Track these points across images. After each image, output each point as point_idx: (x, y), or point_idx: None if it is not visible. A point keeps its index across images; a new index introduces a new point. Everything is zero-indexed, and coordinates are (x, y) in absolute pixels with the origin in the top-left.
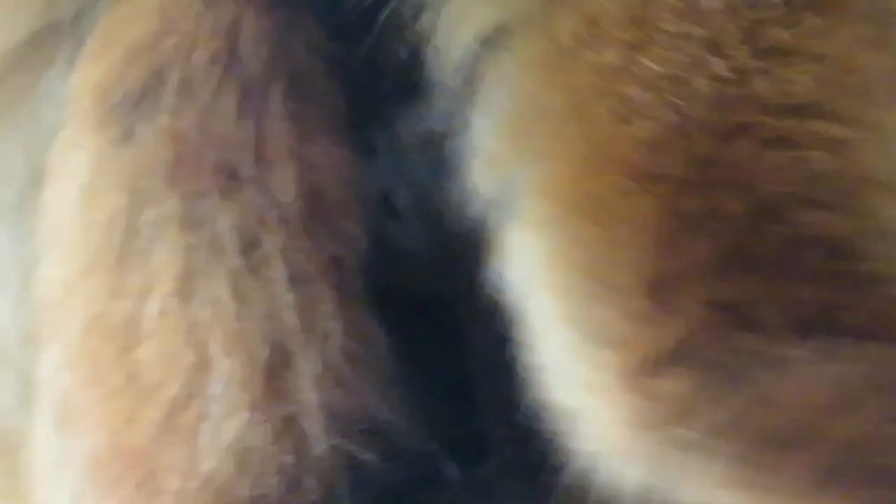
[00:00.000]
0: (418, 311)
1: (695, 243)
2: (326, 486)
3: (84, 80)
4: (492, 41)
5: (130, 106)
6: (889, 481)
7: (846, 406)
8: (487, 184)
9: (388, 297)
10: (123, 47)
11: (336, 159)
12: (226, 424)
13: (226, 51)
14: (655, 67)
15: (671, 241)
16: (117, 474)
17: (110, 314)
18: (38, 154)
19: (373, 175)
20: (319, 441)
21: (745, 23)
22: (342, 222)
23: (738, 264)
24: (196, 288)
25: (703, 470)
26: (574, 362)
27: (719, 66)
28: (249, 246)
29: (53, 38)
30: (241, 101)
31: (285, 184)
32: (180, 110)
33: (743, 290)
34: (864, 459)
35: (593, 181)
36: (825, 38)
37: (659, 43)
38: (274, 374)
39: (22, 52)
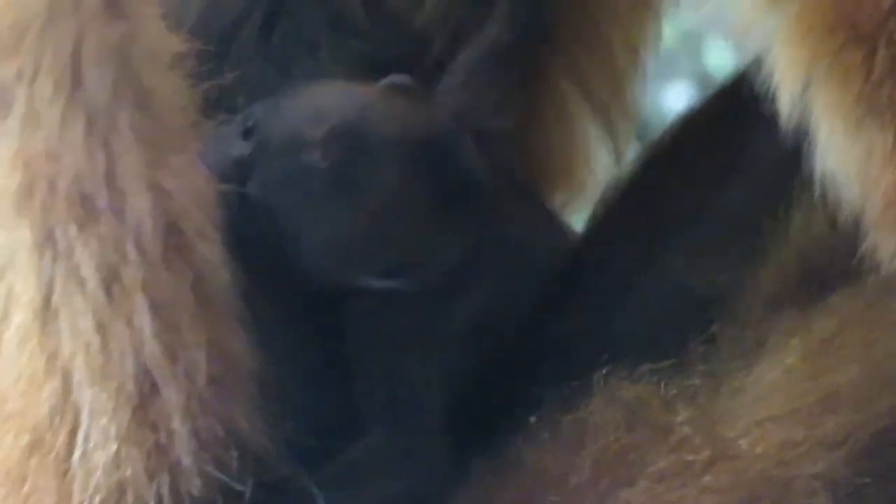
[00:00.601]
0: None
1: None
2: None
3: None
4: None
5: None
6: None
7: None
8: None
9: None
10: None
11: (191, 181)
12: (96, 454)
13: (69, 76)
14: None
15: None
16: None
17: None
18: None
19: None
20: (192, 471)
21: None
22: (201, 247)
23: None
24: (57, 318)
25: None
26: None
27: None
28: (110, 279)
29: None
30: (88, 128)
31: (141, 213)
32: (27, 138)
33: None
34: None
35: None
36: None
37: None
38: (141, 404)
39: None
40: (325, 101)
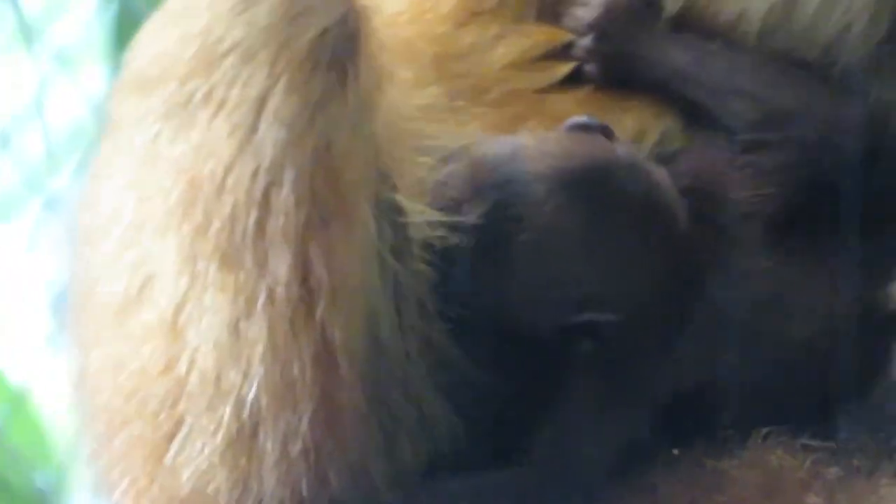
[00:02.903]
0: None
1: None
2: None
3: None
4: None
5: None
6: None
7: None
8: None
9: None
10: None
11: (338, 252)
12: (187, 465)
13: (249, 120)
14: None
15: None
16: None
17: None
18: None
19: None
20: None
21: None
22: (331, 317)
23: None
24: (182, 335)
25: None
26: None
27: None
28: (234, 324)
29: None
30: (253, 175)
31: (280, 274)
32: (198, 160)
33: None
34: None
35: None
36: None
37: None
38: (238, 441)
39: None
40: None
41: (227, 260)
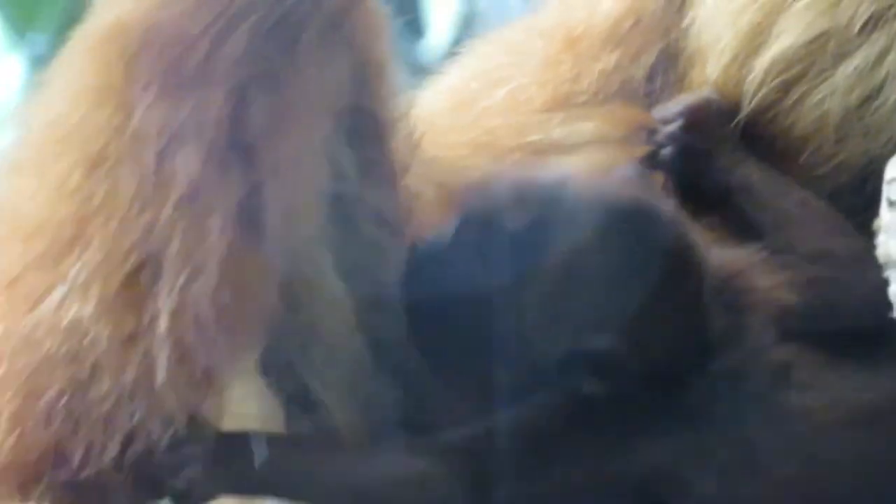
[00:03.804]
0: None
1: None
2: (164, 430)
3: None
4: None
5: None
6: None
7: None
8: None
9: None
10: None
11: None
12: (67, 305)
13: None
14: None
15: None
16: None
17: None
18: None
19: None
20: (162, 378)
21: None
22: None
23: None
24: (103, 168)
25: None
26: None
27: None
28: (165, 152)
29: None
30: None
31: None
32: None
33: None
34: None
35: None
36: None
37: None
38: (132, 281)
39: None
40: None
41: (167, 85)
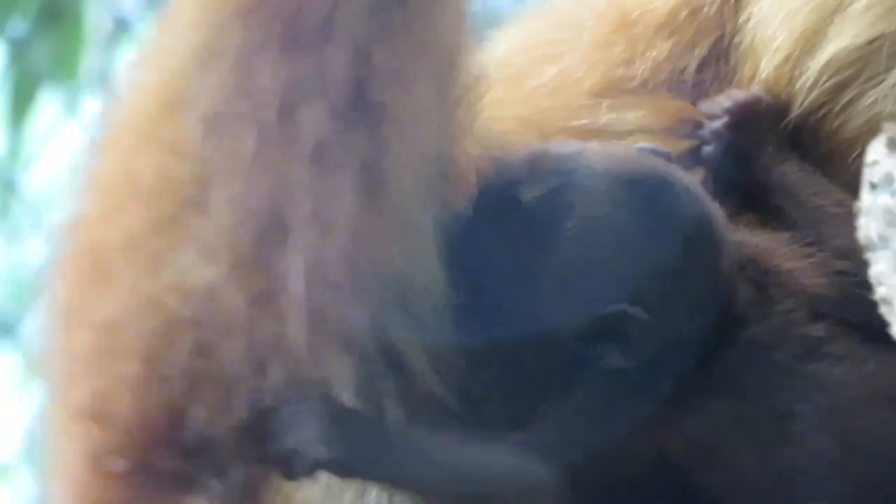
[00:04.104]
0: None
1: None
2: (288, 387)
3: None
4: None
5: None
6: None
7: None
8: None
9: None
10: None
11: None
12: (193, 268)
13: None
14: None
15: None
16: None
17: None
18: None
19: None
20: (294, 339)
21: None
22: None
23: None
24: (224, 128)
25: None
26: None
27: None
28: (287, 109)
29: None
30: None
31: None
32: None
33: None
34: None
35: None
36: None
37: None
38: (260, 241)
39: None
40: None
41: (288, 43)
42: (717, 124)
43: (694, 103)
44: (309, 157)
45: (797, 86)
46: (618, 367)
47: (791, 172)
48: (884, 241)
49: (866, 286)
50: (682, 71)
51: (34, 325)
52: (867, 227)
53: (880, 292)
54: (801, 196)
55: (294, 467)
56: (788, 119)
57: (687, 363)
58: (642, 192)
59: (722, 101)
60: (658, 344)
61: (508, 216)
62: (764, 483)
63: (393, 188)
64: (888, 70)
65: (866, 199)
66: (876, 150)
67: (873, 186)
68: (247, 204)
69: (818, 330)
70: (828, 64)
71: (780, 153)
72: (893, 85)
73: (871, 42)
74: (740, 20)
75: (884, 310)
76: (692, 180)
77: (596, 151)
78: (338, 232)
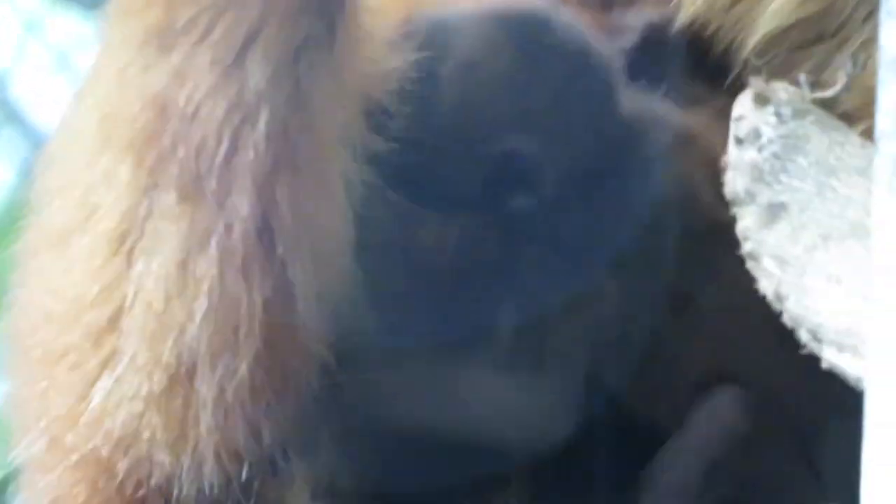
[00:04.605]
0: None
1: None
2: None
3: None
4: None
5: None
6: None
7: None
8: None
9: None
10: None
11: (306, 203)
12: (120, 402)
13: (233, 55)
14: None
15: None
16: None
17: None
18: None
19: None
20: (205, 462)
21: None
22: (289, 267)
23: None
24: (129, 262)
25: None
26: None
27: None
28: (185, 261)
29: None
30: (229, 109)
31: (238, 214)
32: (170, 87)
33: None
34: None
35: None
36: None
37: None
38: (176, 381)
39: None
40: None
41: (187, 190)
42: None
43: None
44: (209, 307)
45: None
46: (524, 208)
47: None
48: (750, 195)
49: None
50: None
51: None
52: (734, 181)
53: (746, 247)
54: None
55: None
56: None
57: (605, 207)
58: (518, 27)
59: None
60: (559, 178)
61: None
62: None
63: (303, 304)
64: None
65: (733, 153)
66: (742, 105)
67: (739, 141)
68: (157, 343)
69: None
70: None
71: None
72: None
73: None
74: None
75: (750, 265)
76: (570, 17)
77: (464, 5)
78: (241, 371)
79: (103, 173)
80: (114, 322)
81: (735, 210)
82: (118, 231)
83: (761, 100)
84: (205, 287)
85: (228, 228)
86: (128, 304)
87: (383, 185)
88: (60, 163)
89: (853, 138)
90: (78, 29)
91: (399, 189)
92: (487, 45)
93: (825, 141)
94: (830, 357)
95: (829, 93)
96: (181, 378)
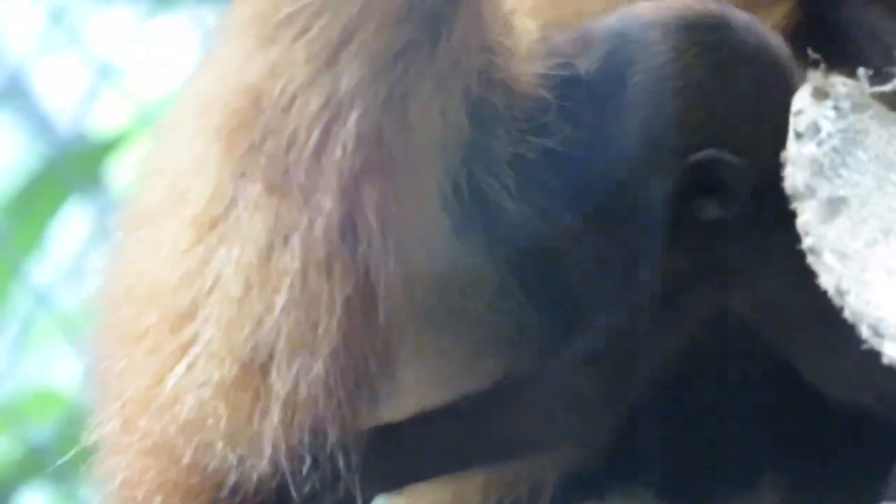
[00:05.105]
0: None
1: None
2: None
3: None
4: None
5: None
6: None
7: None
8: None
9: None
10: None
11: (391, 204)
12: (192, 386)
13: (330, 51)
14: None
15: None
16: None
17: None
18: None
19: None
20: (265, 453)
21: None
22: (374, 265)
23: None
24: (214, 246)
25: None
26: None
27: None
28: (268, 251)
29: None
30: (324, 103)
31: (323, 208)
32: (266, 76)
33: None
34: None
35: None
36: None
37: None
38: (248, 371)
39: None
40: None
41: (274, 182)
42: None
43: None
44: (289, 299)
45: None
46: (717, 216)
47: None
48: (810, 190)
49: None
50: None
51: None
52: (793, 176)
53: (807, 242)
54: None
55: None
56: None
57: (783, 211)
58: (701, 32)
59: None
60: (751, 186)
61: (571, 97)
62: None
63: (386, 300)
64: None
65: (792, 148)
66: (801, 99)
67: (799, 136)
68: (234, 332)
69: None
70: None
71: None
72: None
73: None
74: None
75: (811, 259)
76: (748, 16)
77: (642, 7)
78: (318, 363)
79: (194, 159)
80: (193, 308)
81: (795, 205)
82: (204, 218)
83: (820, 94)
84: (286, 281)
85: (311, 224)
86: (207, 290)
87: (530, 193)
88: (158, 147)
89: None
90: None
91: (552, 198)
92: (675, 52)
93: (884, 135)
94: (891, 352)
95: (888, 87)
96: (254, 370)
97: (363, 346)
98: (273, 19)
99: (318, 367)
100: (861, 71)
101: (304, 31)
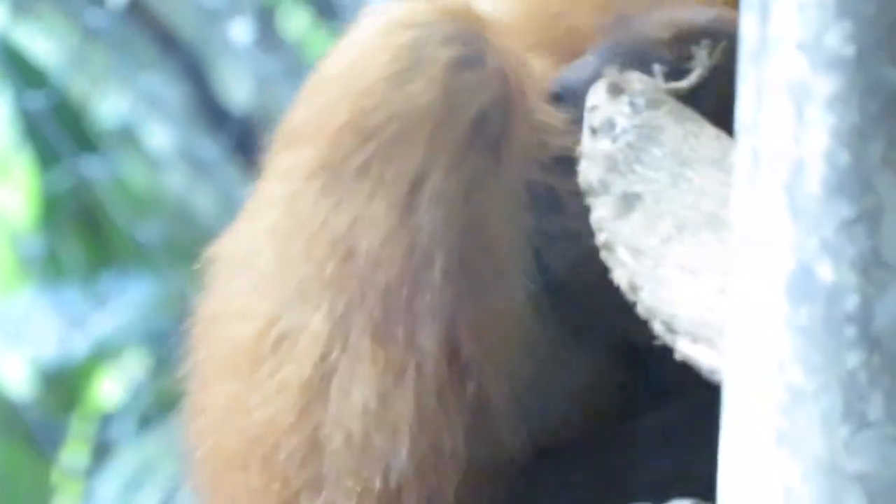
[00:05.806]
0: None
1: None
2: None
3: None
4: None
5: None
6: None
7: None
8: None
9: None
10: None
11: (487, 325)
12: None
13: (405, 199)
14: None
15: None
16: None
17: None
18: None
19: None
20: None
21: None
22: (484, 389)
23: None
24: (325, 394)
25: None
26: None
27: None
28: (381, 397)
29: None
30: (408, 251)
31: (428, 346)
32: (355, 228)
33: None
34: None
35: None
36: None
37: None
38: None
39: None
40: None
41: (379, 334)
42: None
43: None
44: (409, 439)
45: None
46: None
47: None
48: (604, 186)
49: None
50: None
51: None
52: (587, 172)
53: (601, 238)
54: None
55: None
56: None
57: None
58: None
59: None
60: None
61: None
62: None
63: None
64: None
65: (587, 144)
66: (596, 96)
67: (594, 131)
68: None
69: None
70: None
71: None
72: None
73: None
74: None
75: (604, 255)
76: None
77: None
78: (450, 481)
79: (294, 315)
80: (312, 449)
81: (589, 200)
82: (318, 368)
83: (615, 90)
84: (406, 419)
85: (420, 365)
86: (326, 433)
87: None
88: (228, 281)
89: (708, 129)
90: None
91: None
92: None
93: (680, 132)
94: (684, 348)
95: (683, 83)
96: (390, 499)
97: (489, 461)
98: (345, 169)
99: (447, 492)
100: (657, 67)
101: (379, 181)
